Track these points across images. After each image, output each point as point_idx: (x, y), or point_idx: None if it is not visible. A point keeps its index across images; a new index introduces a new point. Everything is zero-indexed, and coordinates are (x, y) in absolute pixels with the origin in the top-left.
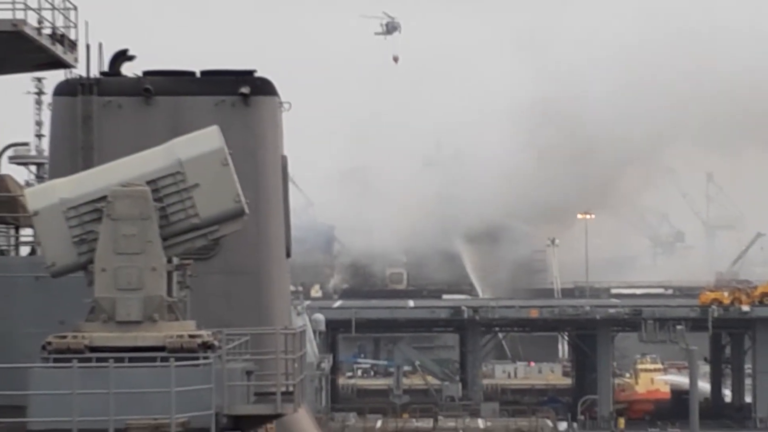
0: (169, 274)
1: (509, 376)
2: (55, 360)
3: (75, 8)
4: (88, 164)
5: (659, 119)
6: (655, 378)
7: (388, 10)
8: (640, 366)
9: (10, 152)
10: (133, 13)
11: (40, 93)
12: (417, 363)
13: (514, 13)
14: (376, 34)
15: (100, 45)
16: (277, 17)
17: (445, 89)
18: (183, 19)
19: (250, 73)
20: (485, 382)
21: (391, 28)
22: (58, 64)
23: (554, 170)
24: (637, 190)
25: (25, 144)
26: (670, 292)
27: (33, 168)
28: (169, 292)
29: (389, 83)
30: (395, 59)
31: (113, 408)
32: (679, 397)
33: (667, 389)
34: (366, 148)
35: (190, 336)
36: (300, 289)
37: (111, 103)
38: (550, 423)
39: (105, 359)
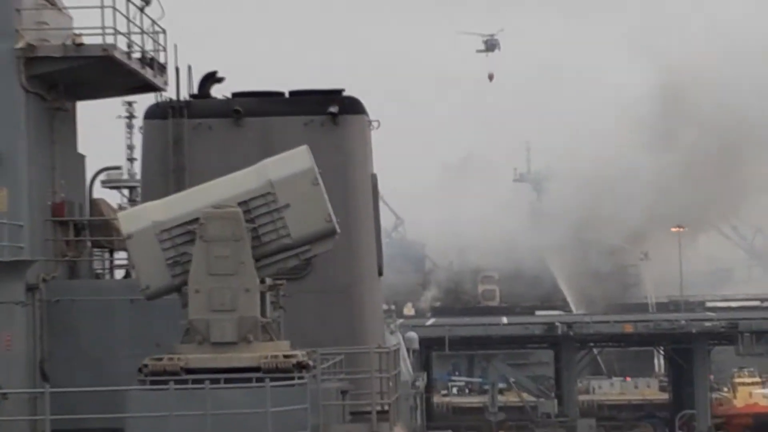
0: (263, 294)
1: (605, 391)
2: (152, 382)
3: (164, 31)
4: (179, 186)
5: None
6: (753, 392)
7: (486, 27)
8: (737, 380)
9: (102, 176)
10: (220, 36)
11: (131, 117)
12: (512, 380)
13: (617, 14)
14: (478, 51)
15: (189, 67)
16: (365, 34)
17: (545, 103)
18: (272, 39)
19: (339, 92)
20: (581, 398)
21: (490, 45)
22: (148, 87)
23: (658, 181)
24: (733, 202)
25: (118, 168)
26: (766, 304)
27: (126, 191)
28: (263, 313)
29: (487, 99)
30: (490, 77)
31: (209, 429)
32: None
33: (766, 403)
34: (460, 165)
35: (285, 356)
36: (392, 307)
37: (201, 125)
38: None
39: (201, 381)
